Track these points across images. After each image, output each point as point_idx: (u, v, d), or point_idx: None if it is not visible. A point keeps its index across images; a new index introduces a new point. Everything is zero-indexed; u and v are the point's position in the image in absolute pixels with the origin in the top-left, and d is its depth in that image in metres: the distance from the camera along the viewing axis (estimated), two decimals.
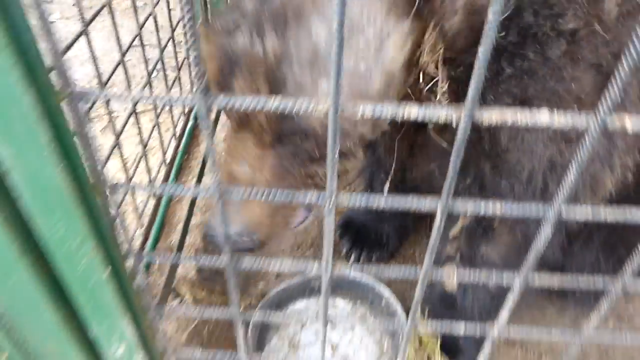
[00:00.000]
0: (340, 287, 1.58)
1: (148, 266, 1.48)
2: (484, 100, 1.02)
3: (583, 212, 0.50)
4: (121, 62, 1.24)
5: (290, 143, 0.95)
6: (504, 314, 0.71)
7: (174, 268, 1.49)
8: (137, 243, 1.49)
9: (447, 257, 1.36)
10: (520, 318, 1.56)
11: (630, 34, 0.96)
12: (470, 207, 0.53)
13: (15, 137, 0.53)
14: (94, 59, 1.09)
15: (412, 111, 0.46)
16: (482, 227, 1.28)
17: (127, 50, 1.25)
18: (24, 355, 0.74)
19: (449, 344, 1.38)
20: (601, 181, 1.15)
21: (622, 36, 0.98)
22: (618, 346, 1.49)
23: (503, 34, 0.96)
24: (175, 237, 1.62)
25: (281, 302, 1.52)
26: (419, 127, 1.25)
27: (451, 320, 1.42)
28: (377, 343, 1.44)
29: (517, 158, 1.08)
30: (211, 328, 1.51)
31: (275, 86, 0.86)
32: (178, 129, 1.87)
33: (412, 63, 0.94)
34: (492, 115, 0.45)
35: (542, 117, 0.42)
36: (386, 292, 1.49)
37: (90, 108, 1.25)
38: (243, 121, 0.96)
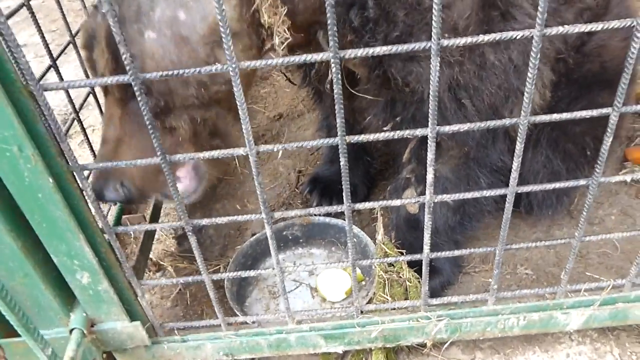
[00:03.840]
0: (314, 235, 1.63)
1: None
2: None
3: None
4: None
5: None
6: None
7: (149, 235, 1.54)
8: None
9: (405, 181, 1.41)
10: (493, 236, 1.61)
11: None
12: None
13: None
14: (66, 90, 1.20)
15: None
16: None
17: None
18: None
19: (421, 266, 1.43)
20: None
21: None
22: (592, 248, 1.53)
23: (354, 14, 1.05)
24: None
25: (256, 256, 1.57)
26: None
27: (416, 239, 1.47)
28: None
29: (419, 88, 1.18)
30: (193, 291, 1.56)
31: (116, 49, 0.94)
32: None
33: (252, 22, 1.01)
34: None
35: None
36: (356, 230, 1.54)
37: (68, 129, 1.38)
38: (104, 89, 1.07)
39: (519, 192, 0.96)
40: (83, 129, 1.47)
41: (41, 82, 0.74)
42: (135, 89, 0.73)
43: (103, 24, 0.98)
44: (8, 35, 0.67)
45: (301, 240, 1.64)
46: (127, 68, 0.71)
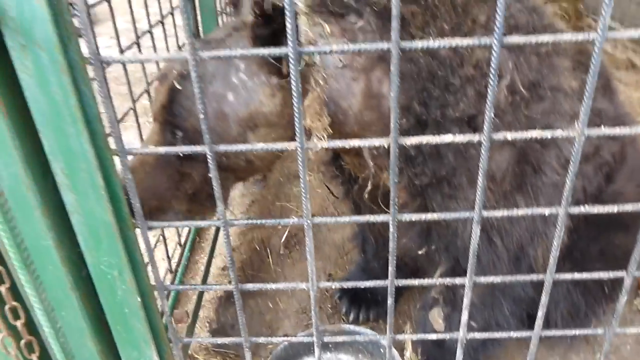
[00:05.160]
0: (343, 342, 1.72)
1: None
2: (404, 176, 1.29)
3: None
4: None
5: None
6: None
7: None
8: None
9: (433, 300, 1.52)
10: (512, 356, 1.69)
11: (519, 119, 1.21)
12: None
13: (79, 186, 0.77)
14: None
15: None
16: (457, 273, 1.46)
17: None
18: None
19: None
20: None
21: (514, 121, 1.23)
22: None
23: (403, 120, 1.21)
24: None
25: (288, 358, 1.66)
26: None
27: (441, 356, 1.56)
28: None
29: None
30: None
31: (173, 97, 1.16)
32: None
33: (292, 120, 1.19)
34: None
35: None
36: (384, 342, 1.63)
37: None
38: (153, 115, 1.25)
39: (545, 335, 1.06)
40: None
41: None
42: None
43: (172, 72, 1.18)
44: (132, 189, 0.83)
45: (330, 346, 1.73)
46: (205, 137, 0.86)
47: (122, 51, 1.46)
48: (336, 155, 1.58)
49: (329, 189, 1.82)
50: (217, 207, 0.85)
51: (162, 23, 1.77)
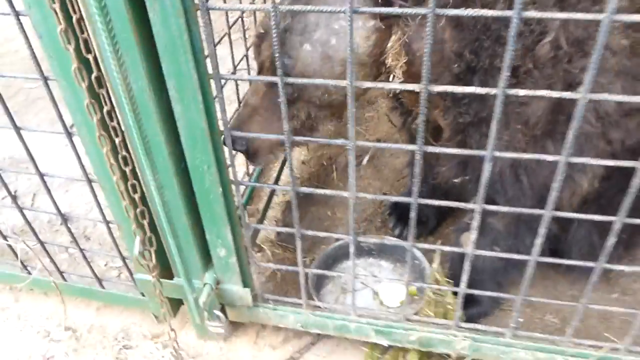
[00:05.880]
0: (385, 251, 2.01)
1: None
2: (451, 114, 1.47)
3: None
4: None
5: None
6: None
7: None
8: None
9: (465, 225, 1.74)
10: (534, 286, 1.89)
11: (559, 74, 1.33)
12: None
13: (184, 99, 1.05)
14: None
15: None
16: (486, 203, 1.66)
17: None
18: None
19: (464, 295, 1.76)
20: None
21: (552, 75, 1.35)
22: (617, 314, 1.78)
23: (456, 65, 1.37)
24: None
25: (337, 258, 1.98)
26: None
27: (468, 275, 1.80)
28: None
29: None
30: (283, 274, 1.99)
31: (281, 46, 1.36)
32: None
33: (377, 59, 1.38)
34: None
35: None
36: (419, 254, 1.90)
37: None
38: (259, 67, 1.50)
39: (540, 260, 1.28)
40: None
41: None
42: (280, 86, 1.10)
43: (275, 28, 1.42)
44: (222, 105, 1.11)
45: (374, 252, 2.02)
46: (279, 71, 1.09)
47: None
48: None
49: (389, 118, 2.03)
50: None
51: None
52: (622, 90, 1.47)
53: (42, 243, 1.64)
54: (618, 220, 1.18)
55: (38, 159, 1.41)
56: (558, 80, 1.37)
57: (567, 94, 0.98)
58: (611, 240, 1.22)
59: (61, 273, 1.73)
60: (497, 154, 1.10)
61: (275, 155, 1.61)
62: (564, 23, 1.33)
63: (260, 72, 1.52)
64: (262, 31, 1.47)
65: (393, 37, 1.38)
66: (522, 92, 1.01)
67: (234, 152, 1.29)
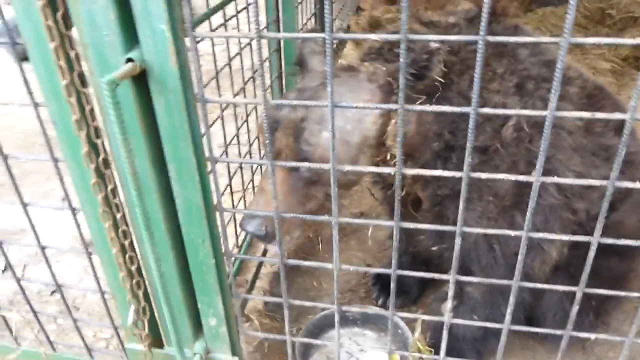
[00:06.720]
0: (369, 321, 2.07)
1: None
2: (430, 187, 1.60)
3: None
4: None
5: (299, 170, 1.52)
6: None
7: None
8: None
9: (445, 294, 1.83)
10: (513, 354, 1.95)
11: (522, 152, 1.49)
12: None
13: (183, 180, 1.16)
14: None
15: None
16: (463, 271, 1.76)
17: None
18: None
19: None
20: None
21: (515, 153, 1.51)
22: None
23: (436, 143, 1.52)
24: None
25: (323, 327, 2.03)
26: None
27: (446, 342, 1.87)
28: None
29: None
30: (270, 344, 2.04)
31: (298, 136, 1.47)
32: None
33: (380, 142, 1.52)
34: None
35: None
36: (401, 324, 1.97)
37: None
38: (276, 153, 1.58)
39: (512, 329, 1.36)
40: None
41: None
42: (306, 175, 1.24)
43: (288, 116, 1.50)
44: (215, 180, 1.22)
45: (358, 322, 2.08)
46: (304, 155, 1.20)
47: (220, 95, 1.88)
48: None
49: (370, 192, 2.16)
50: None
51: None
52: (581, 164, 1.62)
53: (35, 313, 1.69)
54: (578, 290, 1.27)
55: (30, 232, 1.49)
56: (521, 158, 1.52)
57: (522, 178, 1.11)
58: (574, 308, 1.31)
59: (51, 343, 1.76)
60: (466, 229, 1.21)
61: (291, 236, 1.70)
62: (525, 108, 1.50)
63: (277, 159, 1.61)
64: (271, 122, 1.59)
65: (392, 121, 1.53)
66: (483, 176, 1.13)
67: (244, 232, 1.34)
